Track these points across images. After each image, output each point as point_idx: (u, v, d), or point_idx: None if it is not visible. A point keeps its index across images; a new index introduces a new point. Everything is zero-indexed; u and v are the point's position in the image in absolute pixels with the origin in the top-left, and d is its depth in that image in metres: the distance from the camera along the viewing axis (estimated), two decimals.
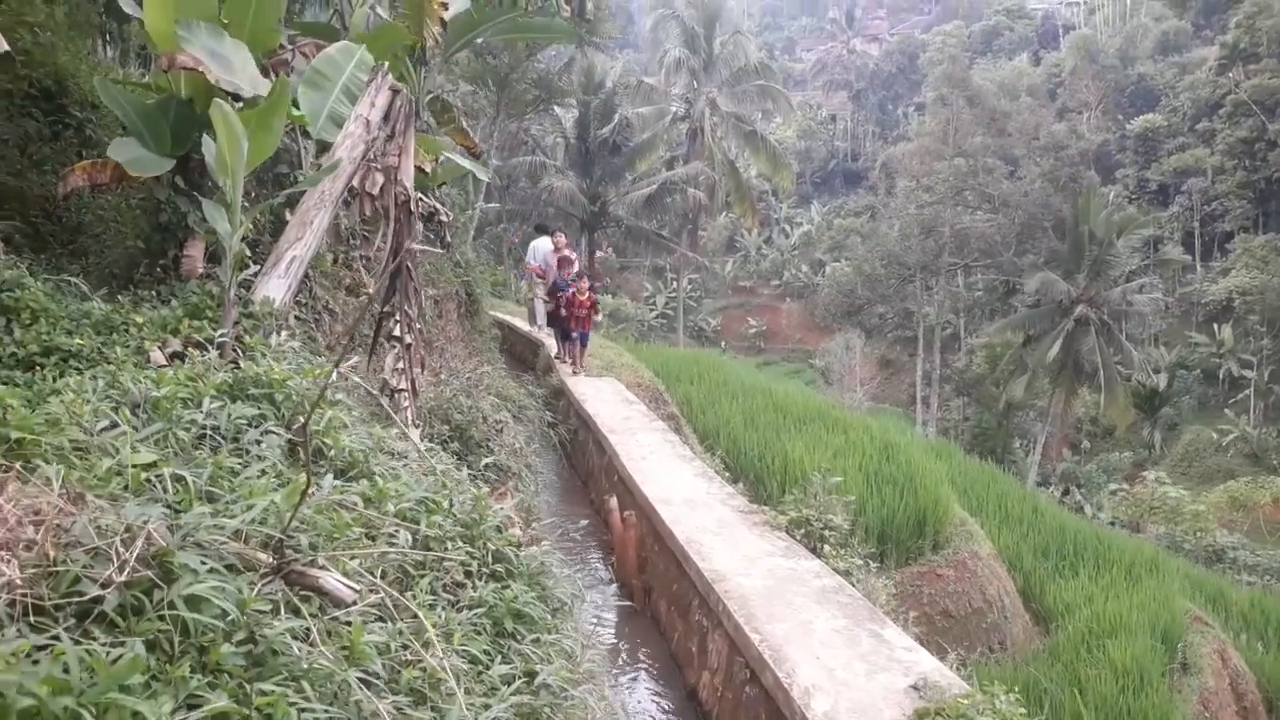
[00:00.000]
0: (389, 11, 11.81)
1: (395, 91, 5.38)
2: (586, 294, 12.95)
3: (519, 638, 3.10)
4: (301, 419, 3.42)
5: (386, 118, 5.37)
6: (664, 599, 6.26)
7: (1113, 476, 40.33)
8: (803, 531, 6.29)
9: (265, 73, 6.95)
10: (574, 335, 13.33)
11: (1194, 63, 69.02)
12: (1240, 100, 59.50)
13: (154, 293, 5.54)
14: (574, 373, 12.92)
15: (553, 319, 14.34)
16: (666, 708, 5.34)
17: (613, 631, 6.50)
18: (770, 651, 4.32)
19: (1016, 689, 4.11)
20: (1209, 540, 27.25)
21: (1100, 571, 13.01)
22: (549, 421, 10.92)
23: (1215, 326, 53.63)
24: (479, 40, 13.99)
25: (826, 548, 6.13)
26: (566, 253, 14.58)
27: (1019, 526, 14.07)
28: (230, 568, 2.10)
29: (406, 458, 4.18)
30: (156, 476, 2.42)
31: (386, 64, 5.75)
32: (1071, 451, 47.63)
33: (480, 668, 2.77)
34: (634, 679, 5.70)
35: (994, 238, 42.32)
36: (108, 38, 10.07)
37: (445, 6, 10.81)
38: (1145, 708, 9.44)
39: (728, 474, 9.01)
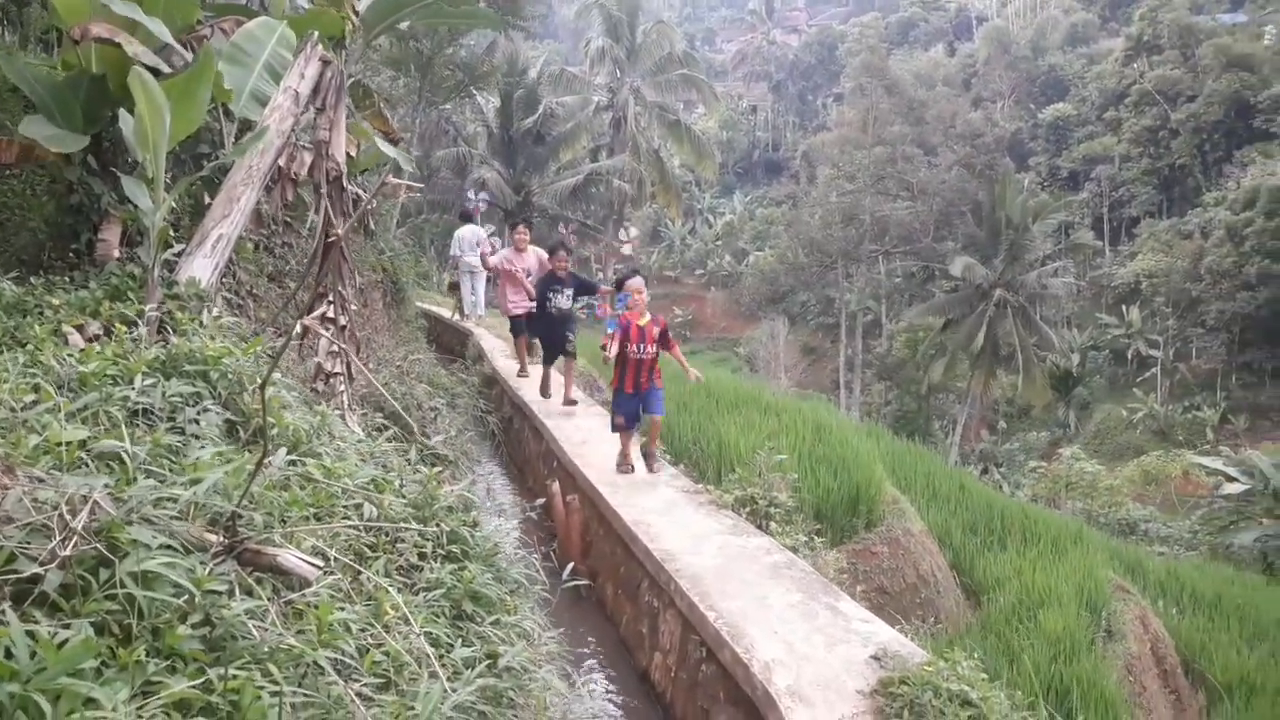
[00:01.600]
0: None
1: (325, 63, 5.16)
2: (646, 318, 7.06)
3: (478, 620, 2.97)
4: (241, 396, 3.24)
5: (316, 91, 5.15)
6: (611, 582, 6.17)
7: (1030, 455, 41.45)
8: (748, 510, 6.26)
9: (185, 48, 6.66)
10: (626, 402, 7.26)
11: (1101, 54, 71.37)
12: (1145, 90, 61.60)
13: (67, 278, 5.24)
14: (651, 469, 7.19)
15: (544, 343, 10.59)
16: (618, 690, 5.26)
17: (557, 618, 6.40)
18: (727, 628, 4.26)
19: (977, 655, 4.12)
20: (1123, 513, 28.18)
21: (1027, 545, 13.26)
22: (483, 409, 10.73)
23: (1124, 308, 55.43)
24: (401, 25, 13.67)
25: (773, 525, 6.11)
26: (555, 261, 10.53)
27: (947, 504, 14.28)
28: (179, 548, 1.94)
29: (347, 442, 4.01)
30: (91, 454, 2.24)
31: (316, 34, 5.52)
32: (989, 432, 48.81)
33: (442, 650, 2.64)
34: (583, 664, 5.60)
35: (913, 224, 43.12)
36: (5, 22, 9.57)
37: None
38: (1077, 674, 9.65)
39: (668, 456, 8.94)
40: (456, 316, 17.24)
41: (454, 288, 18.30)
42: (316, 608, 2.02)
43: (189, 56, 6.48)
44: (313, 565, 2.16)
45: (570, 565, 4.43)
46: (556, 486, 7.15)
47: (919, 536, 12.00)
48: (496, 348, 13.66)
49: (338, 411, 5.06)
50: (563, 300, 10.22)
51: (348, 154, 8.81)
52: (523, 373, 11.43)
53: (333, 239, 5.01)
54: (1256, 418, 47.49)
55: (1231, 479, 25.66)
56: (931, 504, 14.37)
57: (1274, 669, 13.02)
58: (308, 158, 5.46)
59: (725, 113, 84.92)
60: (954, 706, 3.49)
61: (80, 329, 4.29)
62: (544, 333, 10.40)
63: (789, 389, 46.41)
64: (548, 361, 10.35)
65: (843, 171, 44.77)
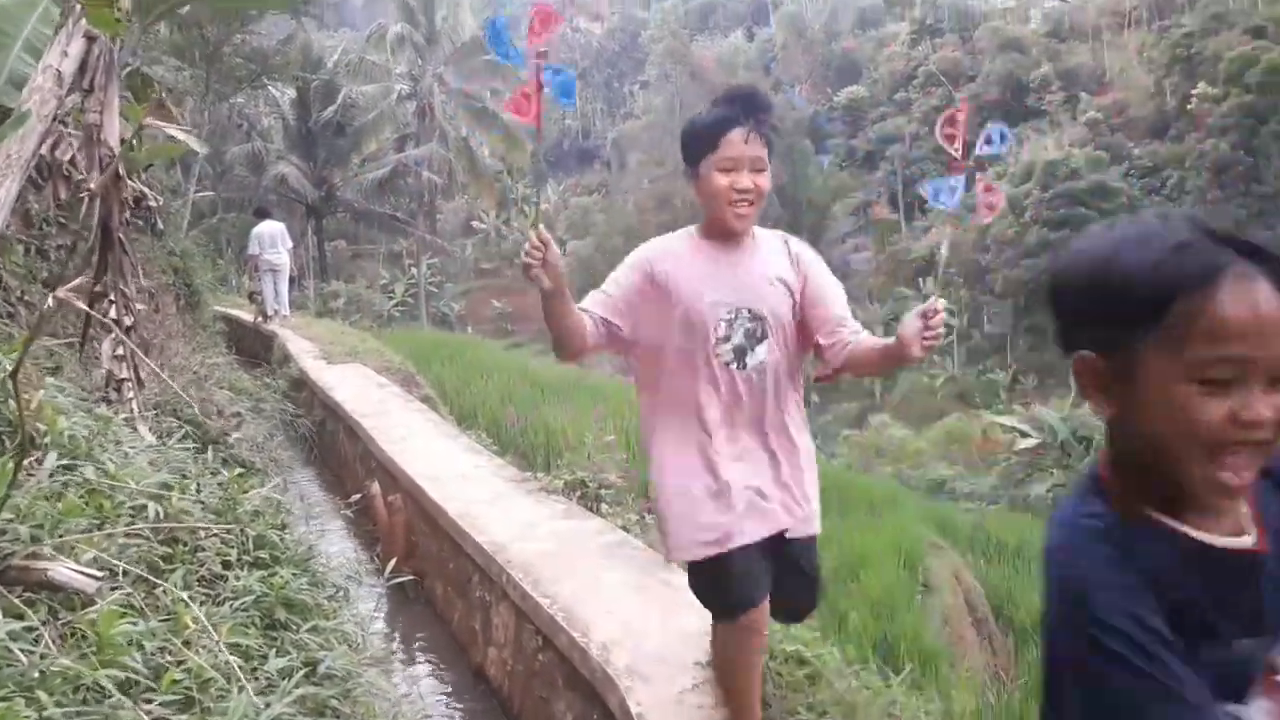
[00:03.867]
0: None
1: (91, 39, 4.72)
2: None
3: (293, 627, 2.76)
4: (6, 403, 2.90)
5: (82, 70, 4.70)
6: (439, 580, 5.97)
7: (842, 425, 43.34)
8: (579, 494, 6.20)
9: None
10: None
11: (889, 36, 75.21)
12: (930, 72, 65.37)
13: None
14: None
15: None
16: (452, 690, 5.09)
17: (383, 622, 6.15)
18: (562, 613, 4.17)
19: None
20: (933, 474, 29.89)
21: (847, 510, 13.78)
22: (292, 414, 10.22)
23: (920, 280, 58.68)
24: (183, 10, 12.81)
25: (604, 506, 6.06)
26: None
27: None
28: None
29: (136, 448, 3.67)
30: None
31: (80, 6, 5.03)
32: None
33: (255, 662, 2.43)
34: (414, 666, 5.40)
35: None
36: None
37: None
38: (900, 629, 10.10)
39: (497, 448, 8.76)
40: (259, 320, 16.38)
41: (253, 295, 17.40)
42: (95, 625, 1.80)
43: None
44: (90, 576, 1.92)
45: (392, 563, 4.21)
46: (376, 487, 6.87)
47: None
48: (304, 349, 13.06)
49: (125, 418, 4.66)
50: None
51: (128, 144, 8.19)
52: None
53: (111, 231, 4.60)
54: (1044, 377, 51.22)
55: (1025, 435, 27.62)
56: None
57: None
58: (75, 142, 4.99)
59: None
60: (790, 666, 3.54)
61: None
62: None
63: (613, 375, 46.80)
64: None
65: (653, 157, 45.40)
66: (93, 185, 4.70)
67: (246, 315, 17.40)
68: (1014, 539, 16.82)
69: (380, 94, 34.86)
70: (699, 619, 4.04)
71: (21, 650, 1.67)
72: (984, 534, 16.86)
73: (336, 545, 7.94)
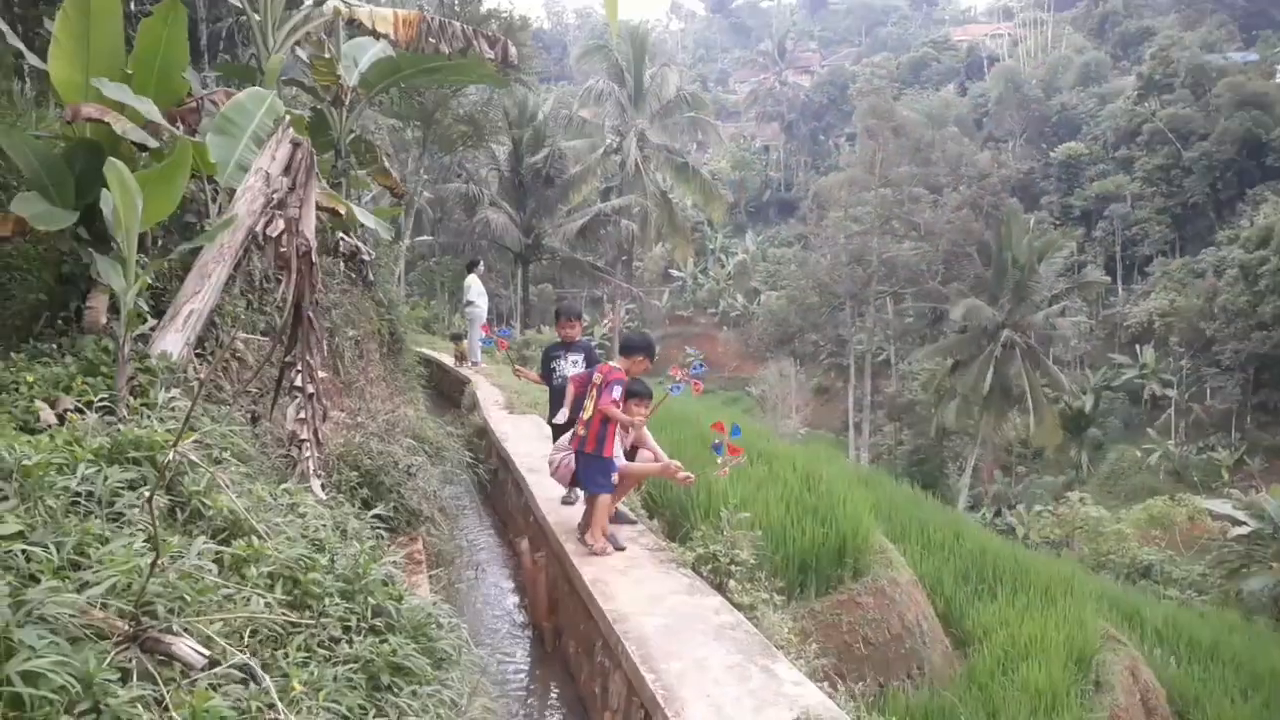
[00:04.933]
0: (308, 55, 11.88)
1: (296, 145, 5.47)
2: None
3: (396, 691, 3.17)
4: (183, 479, 3.48)
5: (287, 170, 5.45)
6: (573, 640, 6.35)
7: (1042, 498, 41.27)
8: (709, 568, 6.42)
9: (173, 122, 7.00)
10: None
11: (1113, 93, 71.91)
12: (1156, 129, 61.97)
13: (55, 345, 5.52)
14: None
15: None
16: None
17: (525, 674, 6.58)
18: (663, 691, 4.43)
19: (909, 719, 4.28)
20: (1135, 556, 28.04)
21: (1017, 594, 13.29)
22: (469, 461, 10.94)
23: (1137, 348, 55.37)
24: (402, 83, 14.09)
25: (732, 583, 6.26)
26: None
27: (940, 551, 14.32)
28: (79, 639, 2.17)
29: (301, 511, 4.23)
30: (20, 549, 2.48)
31: (288, 117, 5.83)
32: (1003, 473, 48.66)
33: None
34: None
35: (920, 266, 43.31)
36: (25, 78, 9.98)
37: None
38: None
39: (646, 509, 9.10)
40: (456, 363, 17.58)
41: (456, 338, 18.69)
42: (191, 693, 2.24)
43: (178, 131, 6.83)
44: (200, 652, 2.38)
45: (531, 626, 4.59)
46: (526, 544, 7.35)
47: (905, 586, 12.06)
48: (490, 397, 13.91)
49: (302, 472, 5.30)
50: (570, 368, 8.30)
51: (338, 212, 9.16)
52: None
53: (302, 310, 5.29)
54: (1272, 458, 47.22)
55: (1238, 523, 25.55)
56: (925, 552, 14.40)
57: (1266, 719, 12.99)
58: (282, 225, 5.74)
59: (738, 153, 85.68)
60: None
61: (53, 404, 4.56)
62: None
63: (799, 430, 46.61)
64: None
65: (849, 213, 45.17)
66: (290, 264, 5.41)
67: (447, 358, 18.69)
68: (1209, 637, 15.68)
69: (588, 148, 36.54)
70: (789, 711, 4.23)
71: (145, 711, 2.13)
72: (1175, 629, 15.80)
73: (494, 591, 8.54)
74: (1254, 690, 13.84)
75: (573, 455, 6.86)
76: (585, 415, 6.69)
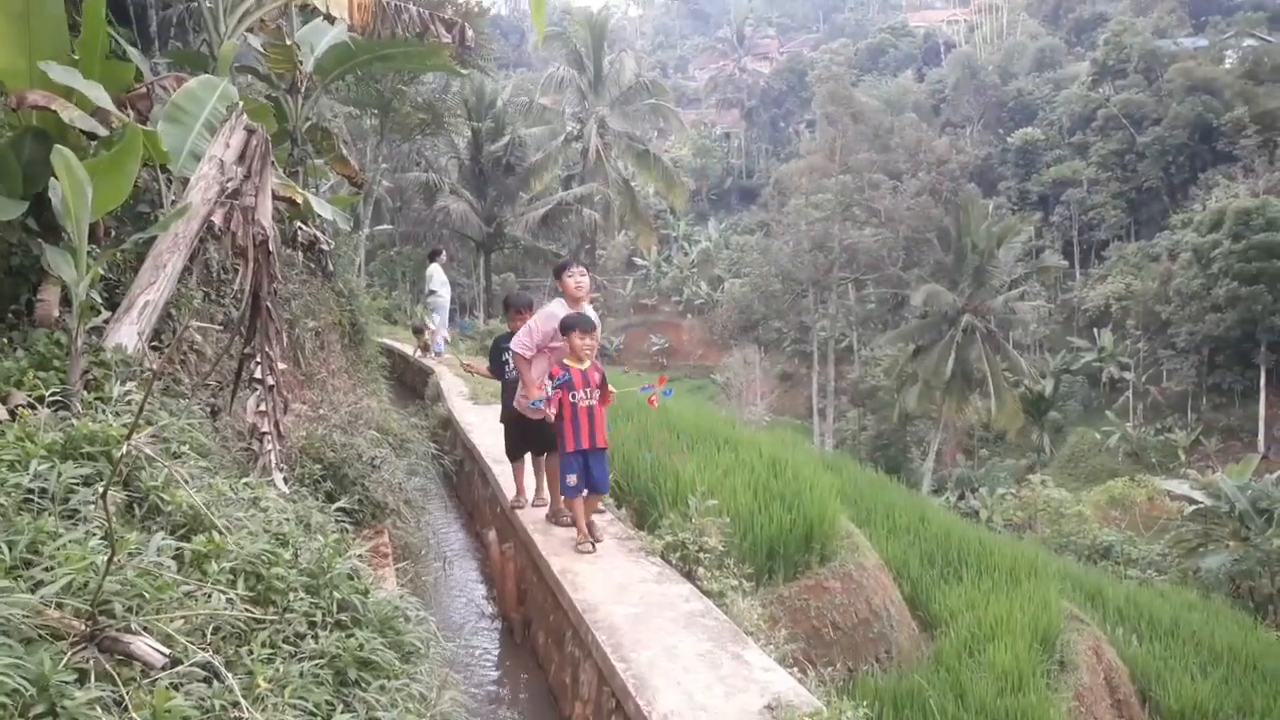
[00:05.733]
0: (261, 43, 11.64)
1: (250, 131, 5.34)
2: (587, 363, 6.67)
3: (364, 686, 3.11)
4: (140, 474, 3.39)
5: (242, 157, 5.33)
6: (542, 630, 6.31)
7: (1005, 480, 41.75)
8: (678, 555, 6.40)
9: (123, 108, 6.82)
10: (573, 461, 6.55)
11: (1068, 78, 72.67)
12: (1110, 114, 62.76)
13: (6, 339, 5.36)
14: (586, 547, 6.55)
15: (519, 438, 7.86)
16: None
17: (494, 665, 6.53)
18: (633, 680, 4.41)
19: (865, 705, 4.28)
20: (1095, 537, 28.43)
21: (982, 576, 13.40)
22: (434, 453, 10.84)
23: (1095, 331, 56.09)
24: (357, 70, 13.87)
25: (700, 570, 6.25)
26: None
27: (906, 535, 14.41)
28: (33, 640, 2.09)
29: (264, 505, 4.14)
30: None
31: (241, 104, 5.70)
32: (966, 457, 49.18)
33: (319, 718, 2.78)
34: (511, 713, 5.73)
35: (881, 252, 43.59)
36: None
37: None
38: (1024, 707, 9.79)
39: (613, 498, 9.06)
40: (418, 354, 17.42)
41: (419, 331, 18.51)
42: (152, 693, 2.17)
43: (127, 117, 6.65)
44: (159, 651, 2.31)
45: (500, 617, 4.54)
46: (493, 534, 7.29)
47: (872, 570, 12.12)
48: (454, 388, 13.79)
49: (264, 465, 5.20)
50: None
51: (295, 202, 9.00)
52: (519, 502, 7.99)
53: (260, 301, 5.18)
54: (1227, 439, 48.10)
55: (1195, 503, 26.00)
56: (891, 535, 14.47)
57: (1226, 695, 13.21)
58: (240, 216, 5.62)
59: (699, 140, 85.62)
60: None
61: (4, 399, 4.42)
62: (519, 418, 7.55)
63: (764, 416, 46.79)
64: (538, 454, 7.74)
65: (810, 200, 45.35)
66: (246, 253, 5.29)
67: (408, 348, 18.51)
68: (1169, 616, 15.93)
69: (548, 135, 36.33)
70: (759, 697, 4.22)
71: (104, 712, 2.05)
72: (1136, 608, 16.04)
73: (462, 583, 8.47)
74: (1213, 666, 14.08)
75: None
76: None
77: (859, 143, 46.23)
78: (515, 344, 7.19)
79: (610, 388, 6.82)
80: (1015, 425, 43.31)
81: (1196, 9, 78.42)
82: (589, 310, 7.21)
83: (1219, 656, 14.48)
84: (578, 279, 7.24)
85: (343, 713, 2.90)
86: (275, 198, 7.10)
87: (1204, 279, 47.86)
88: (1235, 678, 13.74)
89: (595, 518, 7.03)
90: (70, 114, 5.74)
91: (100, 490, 2.98)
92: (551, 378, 6.59)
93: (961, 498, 38.95)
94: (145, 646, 2.27)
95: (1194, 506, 26.15)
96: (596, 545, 6.54)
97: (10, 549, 2.51)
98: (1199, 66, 61.75)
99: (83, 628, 2.26)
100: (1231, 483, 26.02)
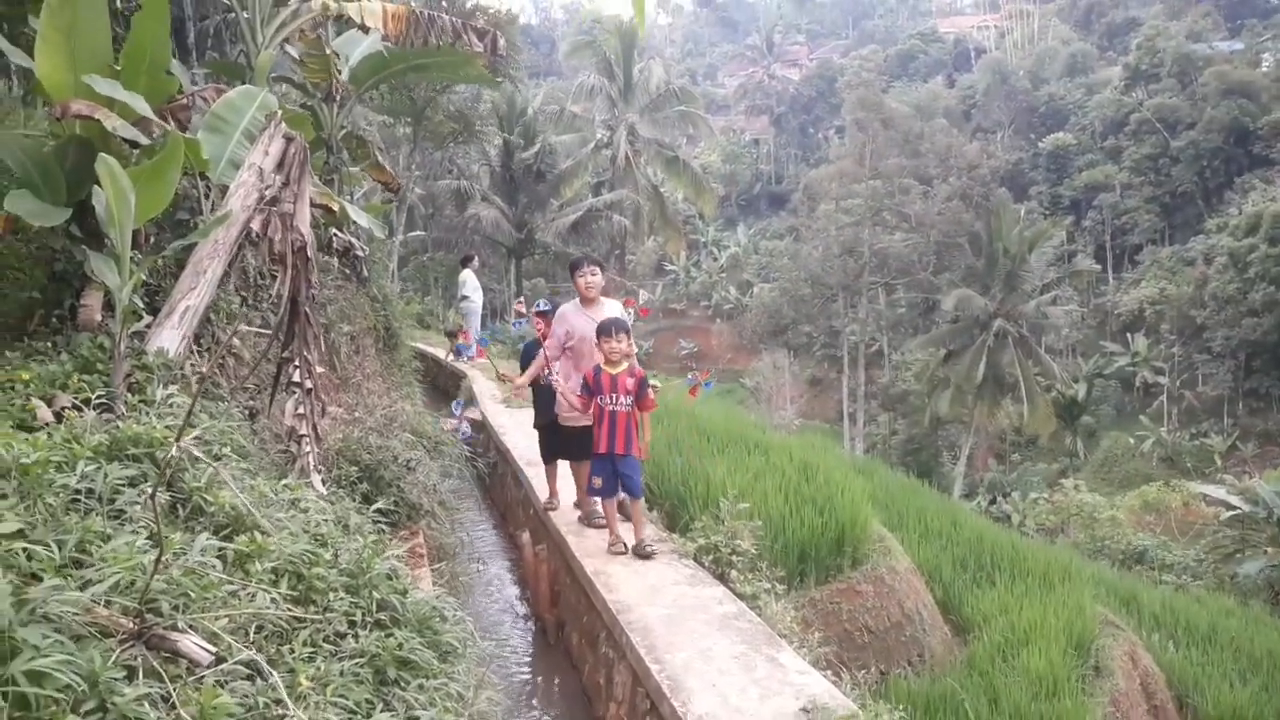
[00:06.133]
0: (298, 52, 11.79)
1: (289, 139, 5.42)
2: (622, 366, 6.52)
3: (403, 685, 3.15)
4: (184, 475, 3.45)
5: (280, 165, 5.41)
6: (576, 632, 6.33)
7: (1037, 485, 41.33)
8: (710, 558, 6.40)
9: (164, 119, 6.93)
10: (603, 468, 6.53)
11: (1100, 83, 71.90)
12: (1144, 118, 62.03)
13: (50, 343, 5.47)
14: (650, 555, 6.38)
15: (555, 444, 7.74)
16: None
17: (528, 666, 6.56)
18: (668, 681, 4.42)
19: (902, 707, 4.26)
20: (1130, 542, 28.08)
21: (1016, 581, 13.31)
22: (467, 455, 10.91)
23: (1129, 336, 55.43)
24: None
25: (733, 573, 6.25)
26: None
27: (938, 539, 14.33)
28: (83, 638, 2.14)
29: (303, 506, 4.19)
30: (21, 547, 2.44)
31: (280, 112, 5.79)
32: (998, 461, 48.75)
33: (359, 717, 2.82)
34: (546, 713, 5.76)
35: (911, 256, 43.35)
36: (11, 76, 9.89)
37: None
38: (1059, 712, 9.71)
39: (644, 500, 9.08)
40: (450, 358, 17.55)
41: (452, 334, 18.66)
42: (199, 690, 2.22)
43: (169, 126, 6.77)
44: (206, 649, 2.35)
45: (533, 618, 4.57)
46: (526, 536, 7.33)
47: (904, 574, 12.06)
48: (486, 391, 13.87)
49: (302, 467, 5.27)
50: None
51: (331, 209, 9.10)
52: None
53: (298, 306, 5.25)
54: (1265, 444, 47.36)
55: (1232, 508, 25.61)
56: (923, 540, 14.39)
57: (1266, 702, 13.01)
58: (279, 222, 5.69)
59: (728, 146, 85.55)
60: None
61: (49, 402, 4.51)
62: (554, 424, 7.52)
63: (794, 421, 46.63)
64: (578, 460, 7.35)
65: (840, 205, 45.20)
66: (284, 260, 5.36)
67: (441, 352, 18.66)
68: (1206, 621, 15.70)
69: (578, 142, 36.48)
70: (794, 700, 4.21)
71: (151, 709, 2.10)
72: (1173, 614, 15.82)
73: (495, 584, 8.52)
74: (1252, 673, 13.87)
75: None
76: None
77: (889, 148, 46.01)
78: (546, 347, 7.49)
79: (651, 389, 6.72)
80: (1047, 430, 42.88)
81: (1232, 12, 77.44)
82: (616, 309, 7.25)
83: (1258, 663, 14.26)
84: (588, 278, 7.31)
85: (382, 711, 2.93)
86: (312, 205, 7.20)
87: (1240, 283, 47.16)
88: (1276, 685, 13.52)
89: (649, 530, 6.86)
90: (113, 123, 5.84)
91: (149, 491, 3.04)
92: (585, 381, 6.59)
93: (993, 502, 38.60)
94: (192, 644, 2.32)
95: (1231, 512, 25.74)
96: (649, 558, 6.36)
97: (60, 548, 2.57)
98: (1235, 69, 60.90)
99: (131, 625, 2.30)
100: (1269, 488, 25.58)
